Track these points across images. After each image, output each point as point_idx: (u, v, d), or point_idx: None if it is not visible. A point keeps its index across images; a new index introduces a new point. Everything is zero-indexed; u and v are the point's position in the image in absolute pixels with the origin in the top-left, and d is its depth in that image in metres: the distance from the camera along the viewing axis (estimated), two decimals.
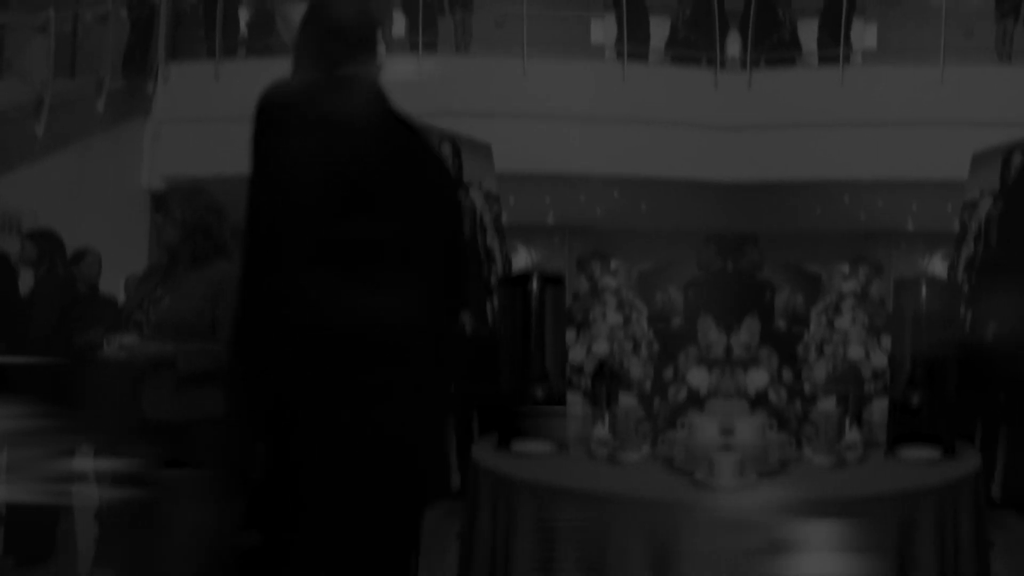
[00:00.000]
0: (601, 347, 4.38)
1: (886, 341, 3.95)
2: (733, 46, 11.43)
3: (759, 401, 3.52)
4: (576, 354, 4.35)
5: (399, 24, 10.80)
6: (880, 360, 3.88)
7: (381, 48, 2.24)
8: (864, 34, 11.06)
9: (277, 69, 9.39)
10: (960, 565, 2.89)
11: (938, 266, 12.92)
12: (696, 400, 3.48)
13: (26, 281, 5.34)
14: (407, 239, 2.07)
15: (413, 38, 10.03)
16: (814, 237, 9.77)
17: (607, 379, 3.77)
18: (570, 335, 4.46)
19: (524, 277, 3.87)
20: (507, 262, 5.87)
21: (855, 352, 3.93)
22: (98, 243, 5.84)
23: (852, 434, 3.41)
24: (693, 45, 10.35)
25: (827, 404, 3.63)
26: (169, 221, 3.42)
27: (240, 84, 10.01)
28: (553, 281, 3.79)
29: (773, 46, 10.31)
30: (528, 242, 13.84)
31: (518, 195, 11.35)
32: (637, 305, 5.07)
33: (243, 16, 11.12)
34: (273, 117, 2.14)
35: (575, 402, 3.74)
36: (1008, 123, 8.27)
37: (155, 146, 9.43)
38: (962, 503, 2.98)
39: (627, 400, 3.69)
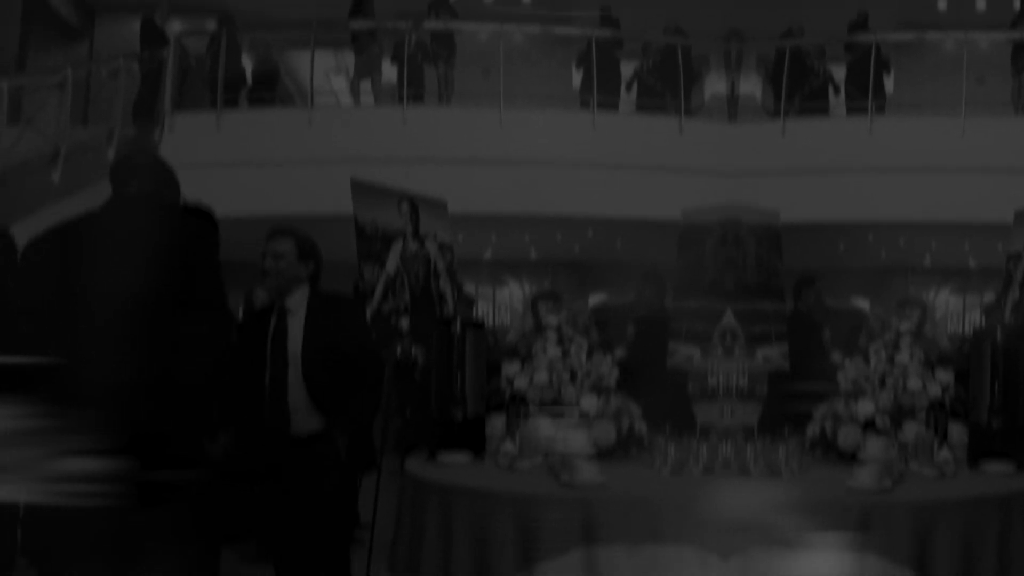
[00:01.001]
0: (541, 377, 5.09)
1: (940, 374, 4.60)
2: (753, 88, 12.14)
3: (867, 426, 4.26)
4: (520, 383, 5.08)
5: (390, 75, 11.61)
6: (935, 391, 4.51)
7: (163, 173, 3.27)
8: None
9: (271, 119, 10.39)
10: None
11: (947, 298, 13.58)
12: (587, 421, 4.25)
13: None
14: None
15: (401, 90, 10.80)
16: (835, 272, 10.41)
17: (517, 404, 4.53)
18: (515, 366, 5.17)
19: (450, 321, 4.60)
20: (467, 303, 6.58)
21: (914, 384, 4.56)
22: None
23: (944, 452, 4.12)
24: (658, 93, 11.11)
25: (915, 427, 4.31)
26: None
27: (238, 133, 10.85)
28: (474, 326, 4.57)
29: (805, 96, 11.05)
30: (516, 276, 14.60)
31: (499, 234, 12.12)
32: (577, 340, 5.71)
33: (248, 67, 11.92)
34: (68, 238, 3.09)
35: (495, 422, 4.48)
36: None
37: None
38: None
39: (538, 421, 4.44)
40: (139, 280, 2.77)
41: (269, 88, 11.76)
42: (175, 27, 12.52)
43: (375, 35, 11.41)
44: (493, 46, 11.22)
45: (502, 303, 14.28)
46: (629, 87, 11.35)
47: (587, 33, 11.40)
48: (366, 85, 11.47)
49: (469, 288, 13.71)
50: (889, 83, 11.65)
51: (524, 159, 10.15)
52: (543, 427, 4.32)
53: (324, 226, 5.72)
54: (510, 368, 4.99)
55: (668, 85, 11.08)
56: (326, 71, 13.89)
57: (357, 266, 5.37)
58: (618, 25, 11.97)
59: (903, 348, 4.75)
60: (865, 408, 4.34)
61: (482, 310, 14.32)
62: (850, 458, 4.12)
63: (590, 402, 4.32)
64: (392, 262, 5.45)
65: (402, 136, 10.29)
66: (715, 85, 12.81)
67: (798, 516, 3.36)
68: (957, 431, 4.31)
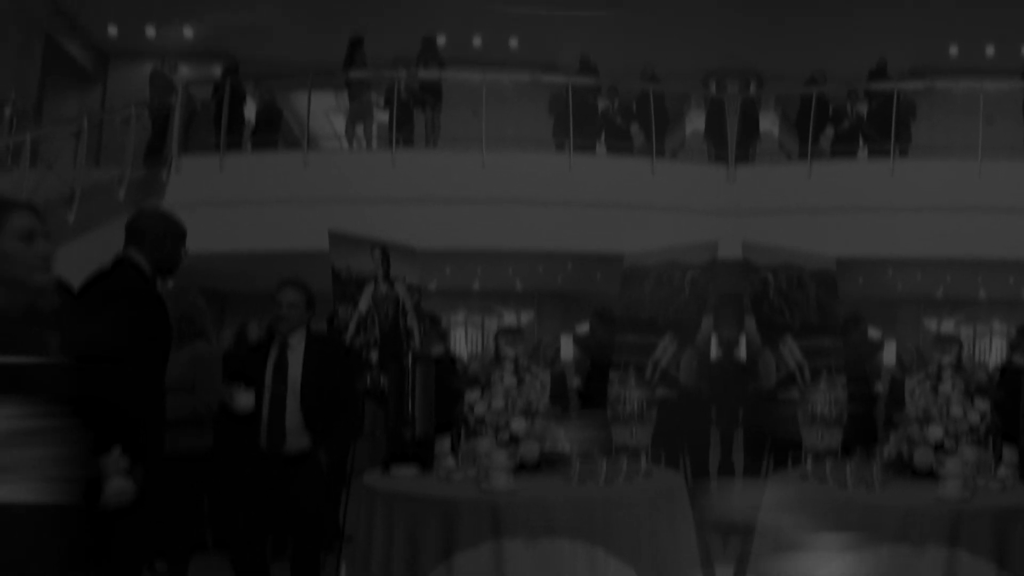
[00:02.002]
0: (498, 403, 5.80)
1: (978, 403, 5.19)
2: (771, 127, 12.77)
3: (938, 447, 4.85)
4: (480, 408, 5.79)
5: (383, 118, 12.35)
6: (974, 417, 5.11)
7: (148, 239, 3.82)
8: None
9: (270, 161, 11.29)
10: None
11: (951, 328, 14.22)
12: (516, 440, 4.99)
13: None
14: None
15: (391, 134, 11.55)
16: (854, 303, 10.99)
17: (460, 424, 5.28)
18: (476, 393, 5.88)
19: (402, 355, 5.36)
20: (440, 336, 7.29)
21: (956, 411, 5.14)
22: None
23: (1003, 469, 4.79)
24: (626, 136, 11.84)
25: (970, 449, 4.92)
26: None
27: (240, 174, 11.64)
28: (424, 359, 5.32)
29: (835, 138, 11.75)
30: (505, 306, 15.30)
31: (485, 267, 12.82)
32: (533, 370, 6.37)
33: (252, 112, 12.70)
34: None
35: (443, 440, 5.22)
36: None
37: None
38: None
39: (478, 440, 5.18)
40: (120, 330, 3.45)
41: (272, 131, 12.50)
42: (183, 72, 13.36)
43: (368, 83, 12.19)
44: (481, 88, 11.94)
45: (491, 332, 14.89)
46: (599, 133, 12.00)
47: (565, 80, 12.13)
48: (359, 129, 12.25)
49: (459, 317, 14.47)
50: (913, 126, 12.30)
51: (504, 198, 10.87)
52: (481, 445, 5.06)
53: (318, 261, 6.46)
54: (472, 395, 5.72)
55: (642, 126, 11.81)
56: (326, 111, 14.65)
57: (332, 304, 6.12)
58: (596, 71, 12.73)
59: (945, 380, 5.35)
60: (935, 432, 4.95)
61: (472, 338, 15.06)
62: (924, 475, 4.74)
63: (519, 424, 5.07)
64: (364, 302, 6.20)
65: (392, 178, 10.99)
66: (695, 123, 13.54)
67: (896, 520, 4.05)
68: (1007, 452, 4.91)
